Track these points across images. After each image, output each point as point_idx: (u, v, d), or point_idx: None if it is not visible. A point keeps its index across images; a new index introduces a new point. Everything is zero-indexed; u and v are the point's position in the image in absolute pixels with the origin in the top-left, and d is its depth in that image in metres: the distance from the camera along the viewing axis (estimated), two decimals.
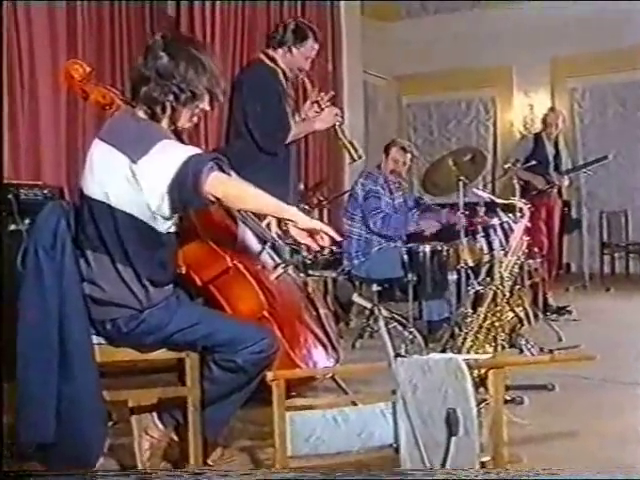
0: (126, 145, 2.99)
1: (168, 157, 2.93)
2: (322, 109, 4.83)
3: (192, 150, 2.98)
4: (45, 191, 5.20)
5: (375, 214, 6.21)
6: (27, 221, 4.73)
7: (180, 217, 3.16)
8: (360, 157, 4.82)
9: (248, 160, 4.52)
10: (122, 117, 3.21)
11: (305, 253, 6.39)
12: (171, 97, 3.07)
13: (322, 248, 3.20)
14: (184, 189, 2.89)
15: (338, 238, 3.16)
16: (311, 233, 3.08)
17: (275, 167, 4.73)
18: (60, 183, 6.24)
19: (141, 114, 3.11)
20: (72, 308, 3.03)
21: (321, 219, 7.93)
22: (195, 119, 3.21)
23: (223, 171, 3.00)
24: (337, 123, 4.79)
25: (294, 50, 4.82)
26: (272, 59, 4.86)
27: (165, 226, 3.07)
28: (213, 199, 2.92)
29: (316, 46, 4.91)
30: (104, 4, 7.45)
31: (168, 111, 3.09)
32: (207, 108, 3.20)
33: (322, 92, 4.92)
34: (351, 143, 4.78)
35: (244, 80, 4.88)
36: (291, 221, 3.07)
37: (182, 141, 3.21)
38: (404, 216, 6.35)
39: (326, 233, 3.07)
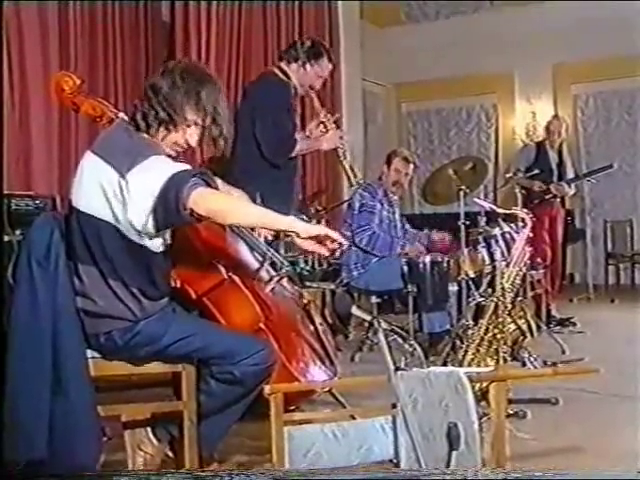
0: (116, 159, 2.96)
1: (153, 174, 2.88)
2: (327, 130, 4.90)
3: (178, 167, 2.92)
4: (37, 201, 5.19)
5: (362, 231, 6.15)
6: (18, 232, 4.70)
7: (172, 233, 3.11)
8: (358, 183, 4.86)
9: (252, 170, 4.58)
10: (116, 130, 3.18)
11: (303, 264, 6.36)
12: (152, 112, 3.04)
13: (332, 252, 3.09)
14: (168, 208, 2.83)
15: (344, 242, 3.06)
16: (317, 239, 2.97)
17: (278, 180, 4.74)
18: (52, 193, 6.19)
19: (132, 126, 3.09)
20: (66, 321, 2.99)
21: None
22: (177, 148, 3.13)
23: (210, 186, 2.93)
24: (340, 146, 4.82)
25: (308, 67, 4.89)
26: (285, 73, 4.92)
27: (153, 244, 3.02)
28: (197, 216, 2.85)
29: (330, 66, 5.00)
30: (97, 13, 7.42)
31: (150, 126, 3.05)
32: (192, 143, 3.13)
33: (329, 114, 5.00)
34: (351, 167, 4.83)
35: (255, 91, 4.96)
36: (291, 232, 2.97)
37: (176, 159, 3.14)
38: (391, 237, 6.27)
39: (331, 237, 2.96)
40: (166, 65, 3.17)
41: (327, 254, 3.06)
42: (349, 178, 4.85)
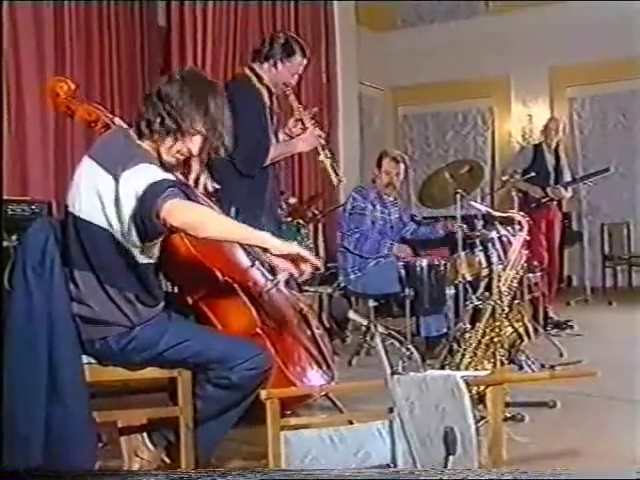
0: (111, 163, 2.96)
1: (139, 180, 2.87)
2: (305, 128, 4.75)
3: (161, 176, 2.91)
4: (33, 207, 5.17)
5: (350, 234, 6.19)
6: (14, 237, 4.68)
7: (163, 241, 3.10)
8: (340, 182, 4.74)
9: (225, 178, 4.42)
10: (114, 136, 3.19)
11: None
12: (158, 119, 3.03)
13: (302, 274, 3.04)
14: (143, 215, 2.83)
15: (318, 264, 3.04)
16: (290, 258, 2.95)
17: (250, 188, 4.63)
18: (48, 198, 6.16)
19: (132, 132, 3.09)
20: (61, 327, 2.98)
21: (316, 233, 7.88)
22: (179, 156, 3.12)
23: (188, 198, 2.93)
24: (319, 145, 4.70)
25: (279, 65, 4.71)
26: (257, 75, 4.77)
27: (144, 255, 3.03)
28: (170, 227, 2.83)
29: (304, 62, 4.81)
30: (93, 18, 7.41)
31: (154, 133, 3.04)
32: (194, 151, 3.11)
33: (306, 109, 4.84)
34: (332, 166, 4.70)
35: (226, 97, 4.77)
36: (263, 248, 2.96)
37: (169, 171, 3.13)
38: (379, 239, 6.26)
39: (304, 258, 2.95)
40: (172, 72, 3.16)
41: (297, 275, 3.04)
42: (330, 177, 4.72)
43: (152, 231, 2.89)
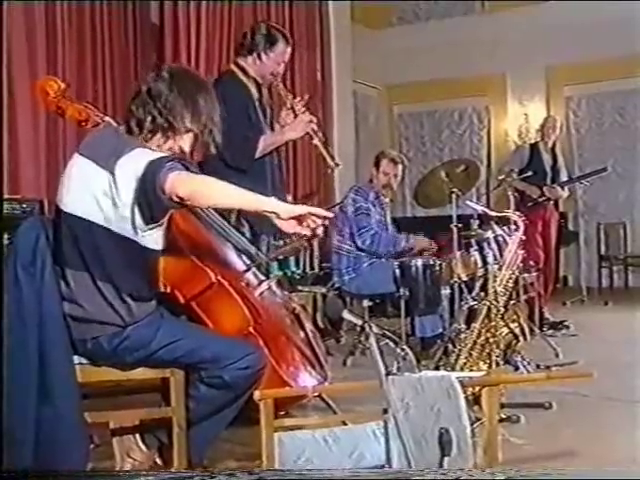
0: (103, 158, 2.94)
1: (136, 164, 2.86)
2: (296, 116, 4.70)
3: (157, 154, 2.91)
4: (24, 205, 5.14)
5: (364, 232, 6.11)
6: (5, 236, 4.66)
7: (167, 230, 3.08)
8: (337, 165, 4.68)
9: (223, 177, 4.40)
10: (104, 132, 3.18)
11: (294, 268, 6.29)
12: (149, 118, 3.01)
13: (315, 232, 2.98)
14: (147, 194, 2.81)
15: (330, 215, 2.99)
16: (299, 220, 2.90)
17: (250, 184, 4.59)
18: (40, 197, 6.10)
19: (122, 129, 3.08)
20: (52, 327, 2.96)
21: None
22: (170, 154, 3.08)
23: (189, 170, 2.90)
24: (311, 130, 4.65)
25: (264, 56, 4.69)
26: (242, 69, 4.76)
27: (151, 240, 2.98)
28: (177, 199, 2.80)
29: (288, 50, 4.78)
30: (84, 15, 7.40)
31: (144, 131, 3.02)
32: (186, 149, 3.11)
33: (296, 98, 4.79)
34: (327, 150, 4.65)
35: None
36: (273, 213, 2.90)
37: None
38: (393, 234, 6.24)
39: (315, 214, 2.89)
40: (160, 70, 3.13)
41: (309, 234, 2.98)
42: (325, 161, 4.66)
43: (158, 208, 2.87)
